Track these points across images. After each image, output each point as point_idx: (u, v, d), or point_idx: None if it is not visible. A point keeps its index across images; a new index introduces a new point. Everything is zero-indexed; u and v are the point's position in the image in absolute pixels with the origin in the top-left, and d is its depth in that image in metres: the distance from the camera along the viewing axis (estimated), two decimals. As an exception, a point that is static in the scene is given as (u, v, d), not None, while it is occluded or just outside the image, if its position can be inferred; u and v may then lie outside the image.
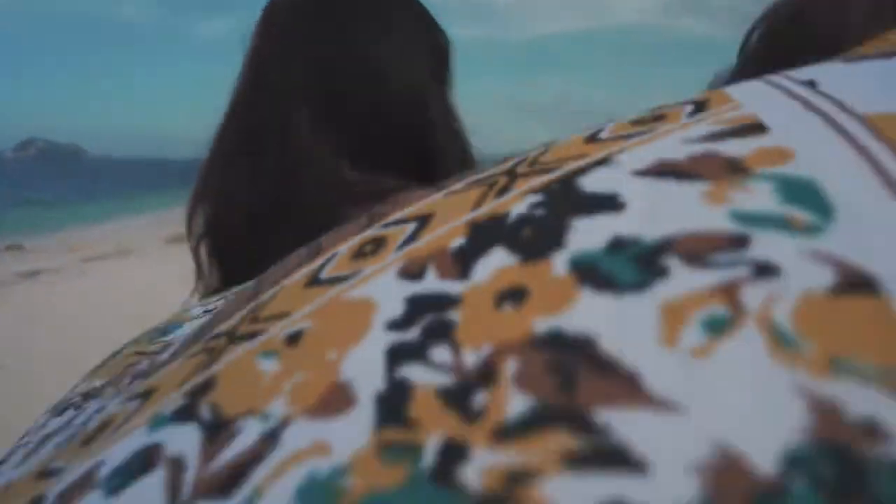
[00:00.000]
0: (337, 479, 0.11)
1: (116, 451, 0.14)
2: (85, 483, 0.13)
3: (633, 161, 0.15)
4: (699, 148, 0.14)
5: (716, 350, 0.11)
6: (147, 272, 5.26)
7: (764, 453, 0.10)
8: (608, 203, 0.14)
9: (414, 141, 0.53)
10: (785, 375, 0.10)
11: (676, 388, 0.10)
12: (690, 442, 0.10)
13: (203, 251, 0.53)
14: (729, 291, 0.11)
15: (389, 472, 0.11)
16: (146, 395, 0.15)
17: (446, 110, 0.57)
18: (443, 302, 0.13)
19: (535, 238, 0.14)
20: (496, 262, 0.14)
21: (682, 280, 0.12)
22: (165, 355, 0.18)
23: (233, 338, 0.15)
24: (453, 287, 0.13)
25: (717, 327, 0.11)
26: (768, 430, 0.10)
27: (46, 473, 0.15)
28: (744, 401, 0.10)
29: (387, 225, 0.17)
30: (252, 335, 0.15)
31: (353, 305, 0.14)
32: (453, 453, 0.11)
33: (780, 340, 0.11)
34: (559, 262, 0.13)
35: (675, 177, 0.14)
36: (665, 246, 0.12)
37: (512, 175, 0.16)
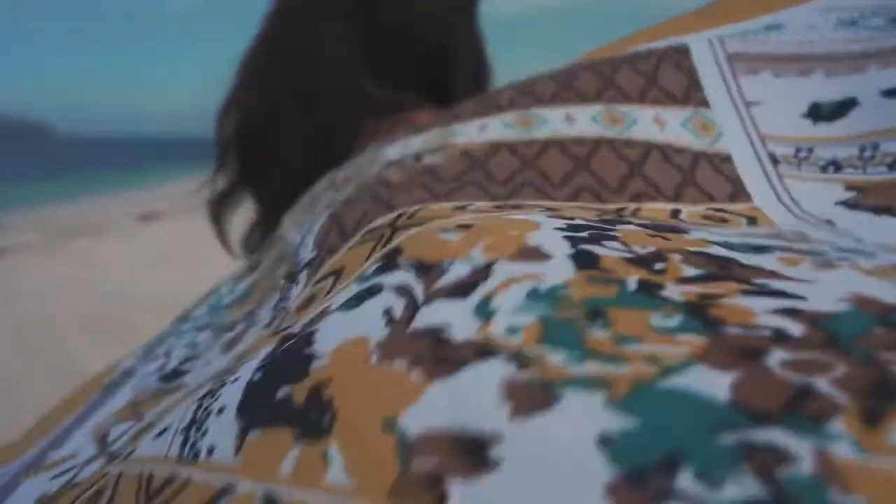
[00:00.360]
0: (557, 291, 0.13)
1: (337, 299, 0.16)
2: (322, 316, 0.16)
3: (709, 237, 0.19)
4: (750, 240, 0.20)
5: (825, 271, 0.15)
6: (119, 250, 5.20)
7: (886, 296, 0.13)
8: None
9: (434, 62, 0.55)
10: (882, 282, 0.14)
11: (807, 274, 0.15)
12: (832, 291, 0.14)
13: (230, 153, 0.55)
14: (821, 260, 0.16)
15: (602, 289, 0.13)
16: (337, 274, 0.18)
17: (470, 34, 0.58)
18: (600, 227, 0.17)
19: (658, 224, 0.18)
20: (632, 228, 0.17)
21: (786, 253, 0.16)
22: (306, 251, 0.22)
23: (395, 228, 0.18)
24: (605, 225, 0.17)
25: (822, 263, 0.15)
26: (885, 293, 0.14)
27: (279, 331, 0.18)
28: (860, 279, 0.14)
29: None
30: (416, 224, 0.18)
31: (514, 218, 0.17)
32: (651, 284, 0.13)
33: (871, 272, 0.15)
34: (686, 236, 0.17)
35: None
36: (768, 245, 0.17)
37: (618, 217, 0.21)
